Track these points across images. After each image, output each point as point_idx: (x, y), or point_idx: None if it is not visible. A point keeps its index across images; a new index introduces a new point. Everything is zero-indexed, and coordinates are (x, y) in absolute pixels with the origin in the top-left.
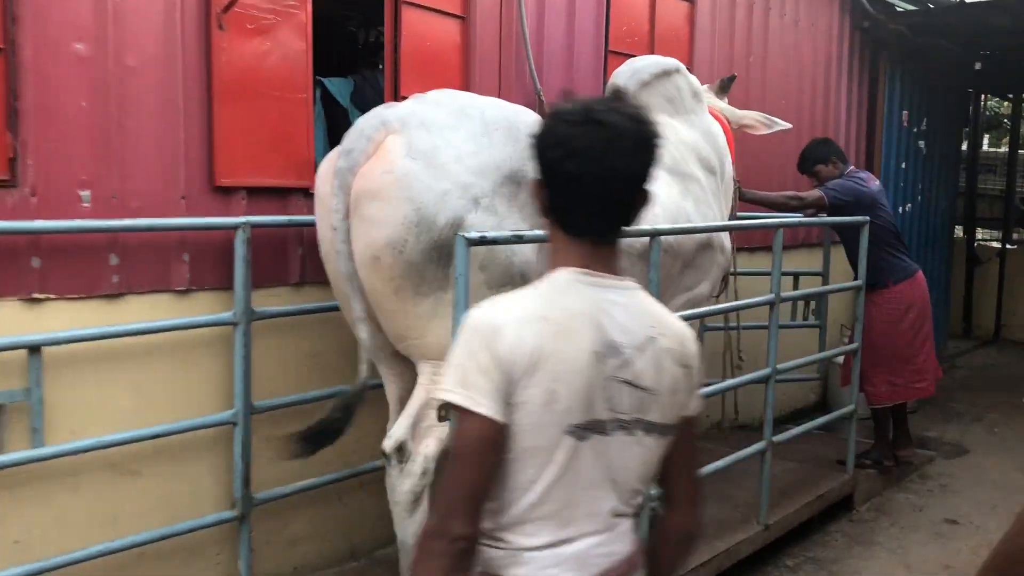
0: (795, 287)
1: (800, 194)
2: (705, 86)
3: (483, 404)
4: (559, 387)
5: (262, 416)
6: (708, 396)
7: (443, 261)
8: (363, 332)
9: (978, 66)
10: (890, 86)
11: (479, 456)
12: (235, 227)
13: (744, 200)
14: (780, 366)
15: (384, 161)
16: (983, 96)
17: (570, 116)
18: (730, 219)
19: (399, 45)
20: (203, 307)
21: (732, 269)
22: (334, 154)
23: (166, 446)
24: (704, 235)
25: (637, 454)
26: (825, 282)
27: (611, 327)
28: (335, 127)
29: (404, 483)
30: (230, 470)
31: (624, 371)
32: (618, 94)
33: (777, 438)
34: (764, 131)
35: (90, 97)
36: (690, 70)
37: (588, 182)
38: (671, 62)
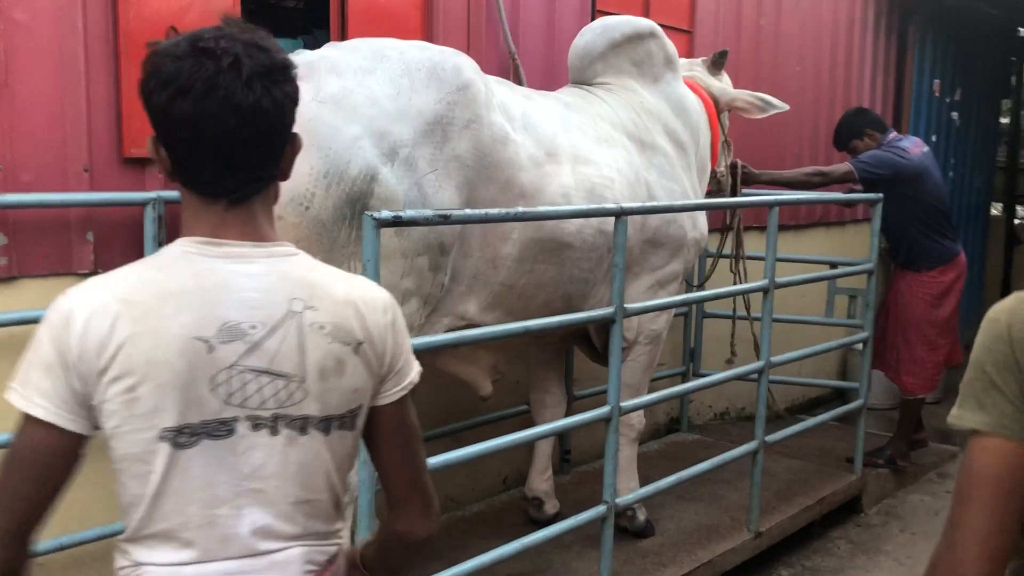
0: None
1: (824, 169)
2: (698, 60)
3: (40, 406)
4: (142, 384)
5: None
6: (702, 388)
7: (357, 221)
8: None
9: (1021, 32)
10: (920, 52)
11: (29, 468)
12: (144, 203)
13: (759, 183)
14: (775, 359)
15: None
16: None
17: (174, 50)
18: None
19: (346, 2)
20: None
21: (735, 252)
22: None
23: None
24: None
25: (293, 458)
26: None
27: (232, 305)
28: None
29: None
30: None
31: (252, 357)
32: (231, 19)
33: (770, 438)
34: (758, 114)
35: None
36: (692, 35)
37: (205, 124)
38: (646, 25)
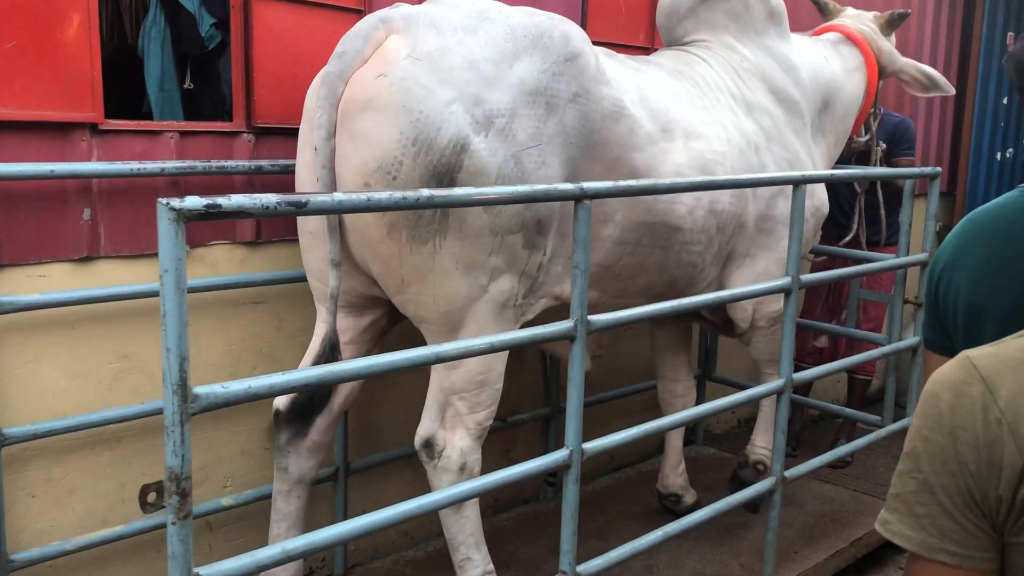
0: None
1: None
2: (870, 14)
3: None
4: None
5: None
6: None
7: None
8: (333, 278)
9: None
10: (991, 2)
11: None
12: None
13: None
14: (798, 376)
15: (380, 63)
16: None
17: None
18: None
19: None
20: None
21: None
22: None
23: None
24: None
25: None
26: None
27: None
28: (181, 38)
29: (442, 480)
30: None
31: None
32: None
33: (791, 473)
34: (920, 92)
35: None
36: None
37: None
38: None
